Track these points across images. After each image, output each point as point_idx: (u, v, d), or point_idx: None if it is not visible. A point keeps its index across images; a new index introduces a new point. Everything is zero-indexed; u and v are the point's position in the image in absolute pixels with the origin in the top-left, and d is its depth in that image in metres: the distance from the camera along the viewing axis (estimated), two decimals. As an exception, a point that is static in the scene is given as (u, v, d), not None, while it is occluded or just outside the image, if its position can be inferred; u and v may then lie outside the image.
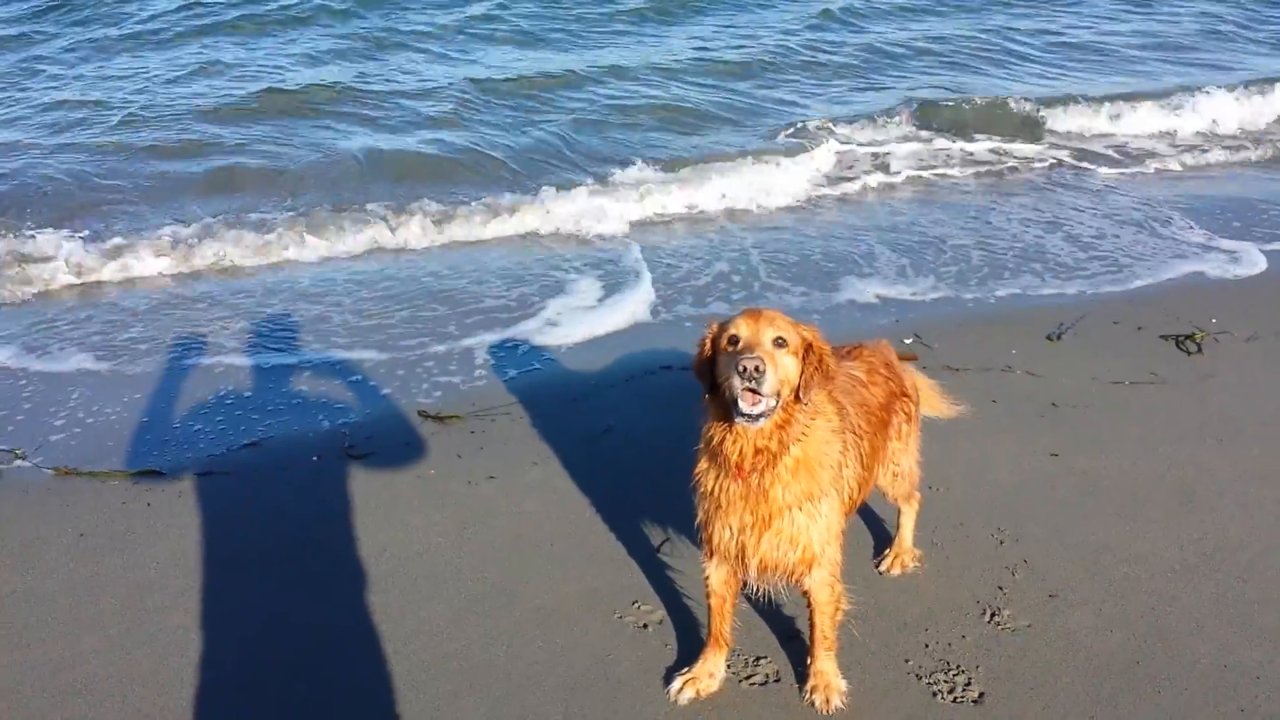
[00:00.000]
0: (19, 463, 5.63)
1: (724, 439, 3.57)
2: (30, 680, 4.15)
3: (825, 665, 3.99)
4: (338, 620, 4.47)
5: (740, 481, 3.61)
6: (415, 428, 5.96)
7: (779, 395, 3.43)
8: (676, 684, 4.01)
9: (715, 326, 3.60)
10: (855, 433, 3.95)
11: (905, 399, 4.40)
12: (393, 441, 5.81)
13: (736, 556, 3.78)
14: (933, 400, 4.85)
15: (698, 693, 3.99)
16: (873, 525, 5.04)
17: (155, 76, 13.14)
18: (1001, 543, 4.85)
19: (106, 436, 5.94)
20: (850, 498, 3.94)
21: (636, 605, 4.51)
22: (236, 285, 8.18)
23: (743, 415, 3.38)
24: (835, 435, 3.75)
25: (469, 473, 5.50)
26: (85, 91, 12.48)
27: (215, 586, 4.69)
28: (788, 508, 3.64)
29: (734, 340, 3.44)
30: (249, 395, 6.40)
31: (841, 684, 3.97)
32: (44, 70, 13.45)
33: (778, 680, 4.10)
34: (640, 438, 5.82)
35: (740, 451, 3.54)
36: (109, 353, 6.95)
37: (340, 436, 5.86)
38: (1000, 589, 4.55)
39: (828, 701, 3.92)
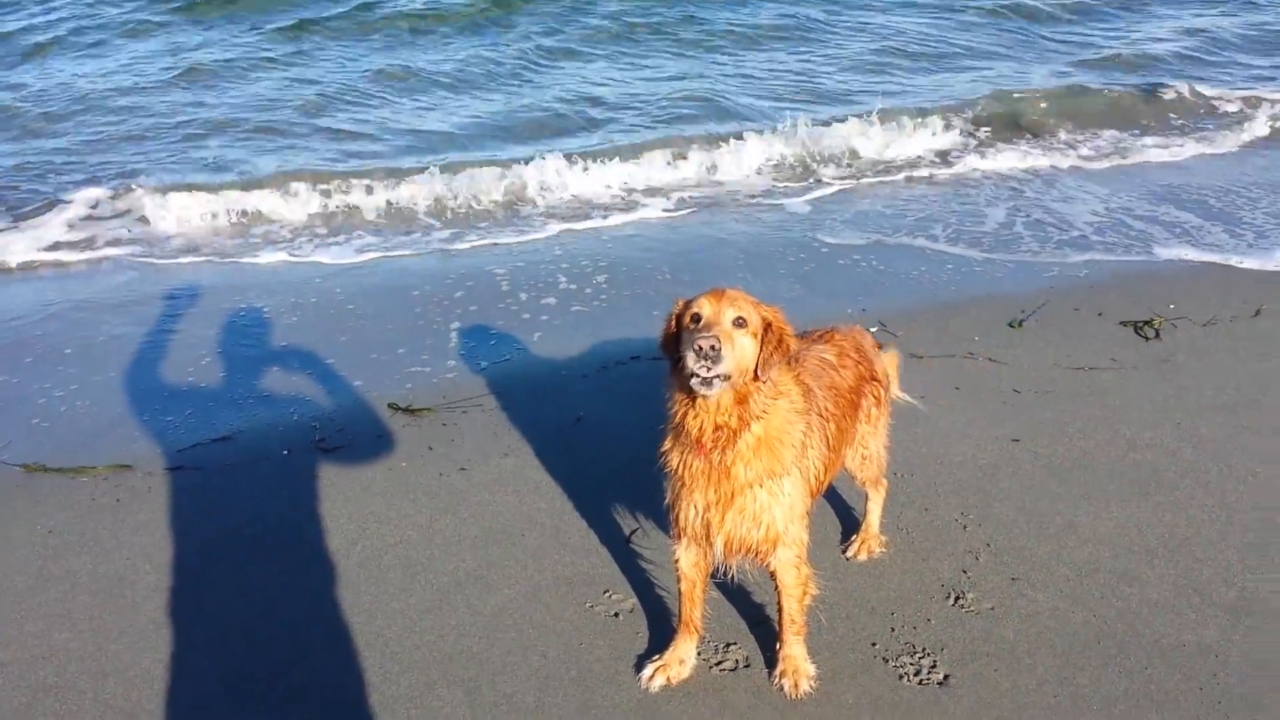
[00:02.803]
0: (-14, 460, 5.60)
1: (686, 415, 3.63)
2: (3, 677, 4.15)
3: (794, 650, 4.06)
4: (311, 613, 4.49)
5: (702, 458, 3.67)
6: (386, 421, 5.97)
7: (730, 376, 3.47)
8: (648, 671, 4.07)
9: (680, 304, 3.66)
10: (822, 414, 4.01)
11: (876, 383, 4.47)
12: (364, 435, 5.82)
13: (702, 535, 3.84)
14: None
15: (669, 679, 4.05)
16: (840, 512, 5.11)
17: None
18: (965, 527, 4.94)
19: (75, 431, 5.91)
20: (816, 479, 4.00)
21: (608, 594, 4.56)
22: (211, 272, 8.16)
23: (697, 378, 3.41)
24: (798, 415, 3.81)
25: (440, 464, 5.53)
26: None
27: (187, 581, 4.70)
28: (749, 485, 3.70)
29: (696, 318, 3.51)
30: (219, 388, 6.38)
31: (810, 668, 4.04)
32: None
33: (747, 666, 4.16)
34: (611, 428, 5.86)
35: (701, 427, 3.60)
36: (78, 345, 6.91)
37: (311, 430, 5.86)
38: (964, 572, 4.64)
39: (796, 686, 3.99)
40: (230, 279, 8.17)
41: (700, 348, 3.37)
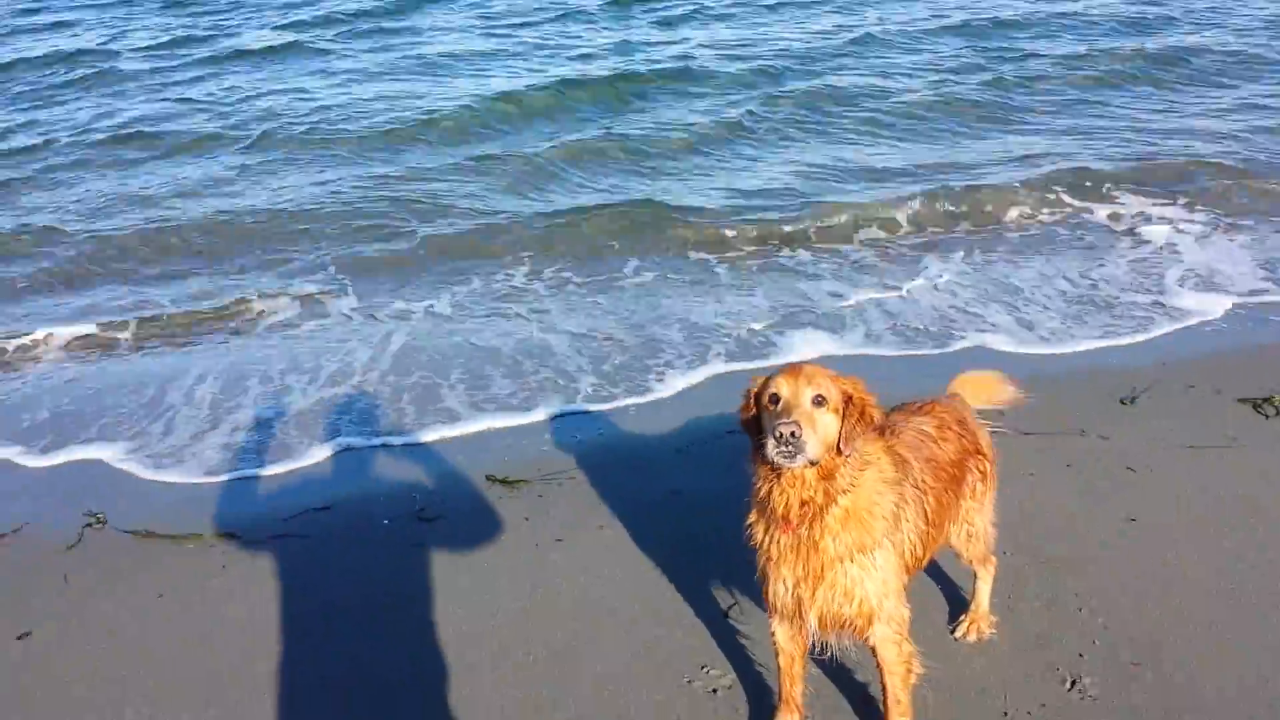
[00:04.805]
0: (100, 527, 5.76)
1: (770, 491, 3.57)
2: (108, 738, 4.22)
3: (899, 732, 3.90)
4: (410, 683, 4.49)
5: (789, 533, 3.59)
6: (483, 492, 6.00)
7: (815, 460, 3.42)
8: (748, 750, 3.96)
9: (758, 382, 3.63)
10: (918, 487, 3.91)
11: (980, 457, 4.34)
12: (462, 505, 5.86)
13: (794, 610, 3.75)
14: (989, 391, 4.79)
15: (770, 759, 3.93)
16: (947, 590, 4.94)
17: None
18: (1080, 609, 4.73)
19: (183, 500, 6.06)
20: (911, 553, 3.87)
21: (706, 669, 4.46)
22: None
23: (781, 454, 3.36)
24: (889, 486, 3.71)
25: (537, 536, 5.52)
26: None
27: (290, 647, 4.75)
28: (839, 559, 3.61)
29: (774, 399, 3.47)
30: (321, 460, 6.51)
31: (918, 751, 3.88)
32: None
33: (852, 747, 4.02)
34: (707, 501, 5.79)
35: (786, 503, 3.54)
36: (185, 419, 7.13)
37: (410, 500, 5.92)
38: (1080, 656, 4.42)
39: (904, 768, 3.83)
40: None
41: (781, 434, 3.33)
